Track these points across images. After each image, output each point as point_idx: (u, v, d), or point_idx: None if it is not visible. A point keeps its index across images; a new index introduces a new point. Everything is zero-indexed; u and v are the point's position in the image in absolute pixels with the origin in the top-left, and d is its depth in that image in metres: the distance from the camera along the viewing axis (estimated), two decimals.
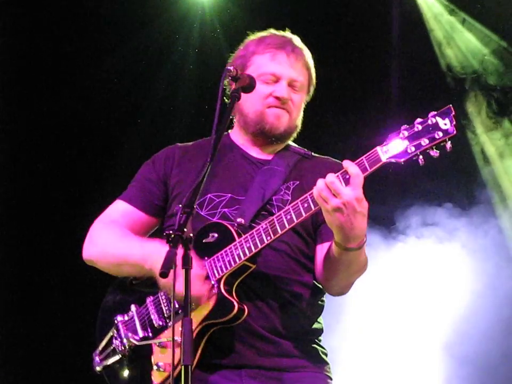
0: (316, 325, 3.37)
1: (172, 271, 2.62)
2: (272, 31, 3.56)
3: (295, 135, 3.55)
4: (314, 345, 3.35)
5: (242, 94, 3.23)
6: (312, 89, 3.57)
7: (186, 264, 2.66)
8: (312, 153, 3.56)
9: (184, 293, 2.64)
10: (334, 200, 2.90)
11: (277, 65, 3.42)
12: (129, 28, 6.71)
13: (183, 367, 2.57)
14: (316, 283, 3.37)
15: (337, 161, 3.50)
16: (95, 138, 6.70)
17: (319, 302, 3.41)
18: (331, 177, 2.92)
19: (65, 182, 6.63)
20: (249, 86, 3.26)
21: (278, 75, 3.41)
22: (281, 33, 3.55)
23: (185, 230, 2.71)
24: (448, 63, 6.75)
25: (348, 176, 2.93)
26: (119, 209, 3.50)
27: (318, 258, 3.31)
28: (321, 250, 3.31)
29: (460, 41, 6.79)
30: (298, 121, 3.52)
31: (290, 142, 3.57)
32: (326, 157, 3.57)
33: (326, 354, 3.38)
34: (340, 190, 2.89)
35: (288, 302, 3.27)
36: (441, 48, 6.80)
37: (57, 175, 6.64)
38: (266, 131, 3.42)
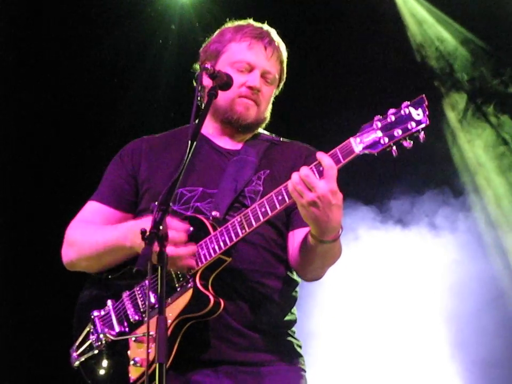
0: (289, 316, 3.39)
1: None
2: (251, 21, 3.57)
3: (263, 125, 3.57)
4: (289, 338, 3.37)
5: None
6: (282, 84, 3.59)
7: (161, 262, 2.67)
8: (281, 139, 3.56)
9: (159, 292, 2.65)
10: (309, 194, 2.90)
11: (253, 55, 3.43)
12: (106, 24, 6.73)
13: (157, 365, 2.57)
14: (290, 274, 3.39)
15: (305, 145, 3.54)
16: (73, 136, 6.69)
17: (293, 293, 3.43)
18: (305, 170, 2.92)
19: (42, 182, 6.64)
20: (226, 84, 3.28)
21: (253, 65, 3.43)
22: (259, 24, 3.56)
23: (160, 227, 2.70)
24: (423, 57, 6.85)
25: (321, 168, 2.92)
26: (92, 210, 3.50)
27: (292, 245, 3.32)
28: (293, 236, 3.32)
29: (433, 35, 6.88)
30: (267, 113, 3.54)
31: (259, 130, 3.58)
32: (294, 141, 3.58)
33: (300, 347, 3.41)
34: (315, 183, 2.89)
35: (264, 295, 3.28)
36: (417, 43, 6.90)
37: (31, 173, 6.65)
38: (234, 121, 3.43)
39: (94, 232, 3.37)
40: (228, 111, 3.42)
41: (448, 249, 6.37)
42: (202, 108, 3.26)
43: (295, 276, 3.42)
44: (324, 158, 2.92)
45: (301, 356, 3.39)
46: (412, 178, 6.50)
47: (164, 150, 3.48)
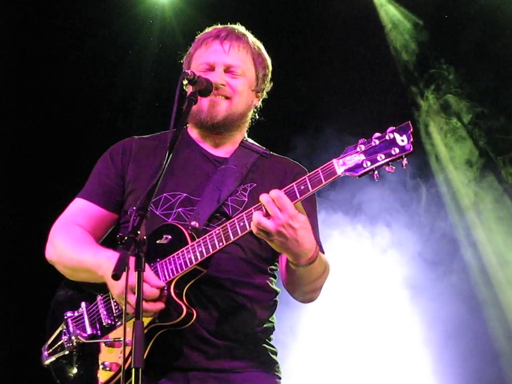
0: (266, 324, 3.38)
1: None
2: (218, 26, 3.57)
3: (245, 123, 3.52)
4: (264, 345, 3.36)
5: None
6: (263, 74, 3.52)
7: (139, 267, 2.67)
8: (271, 152, 3.53)
9: (136, 296, 2.65)
10: (274, 229, 2.90)
11: (211, 54, 3.43)
12: (90, 27, 6.77)
13: (133, 369, 2.57)
14: (269, 283, 3.38)
15: (295, 162, 3.51)
16: (58, 134, 6.69)
17: (271, 303, 3.41)
18: (256, 215, 2.91)
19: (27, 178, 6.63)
20: (206, 89, 3.29)
21: (212, 63, 3.41)
22: (224, 25, 3.56)
23: (138, 232, 2.70)
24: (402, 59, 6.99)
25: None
26: (79, 207, 3.46)
27: (281, 269, 3.33)
28: (281, 259, 3.32)
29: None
30: (244, 107, 3.47)
31: (249, 140, 3.56)
32: (284, 157, 3.55)
33: (275, 353, 3.40)
34: (267, 226, 2.89)
35: (239, 305, 3.27)
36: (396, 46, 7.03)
37: (16, 170, 6.64)
38: (204, 121, 3.38)
39: (75, 245, 3.33)
40: (197, 113, 3.37)
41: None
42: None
43: (274, 286, 3.42)
44: (272, 193, 2.91)
45: (276, 362, 3.39)
46: None
47: (151, 153, 3.45)
